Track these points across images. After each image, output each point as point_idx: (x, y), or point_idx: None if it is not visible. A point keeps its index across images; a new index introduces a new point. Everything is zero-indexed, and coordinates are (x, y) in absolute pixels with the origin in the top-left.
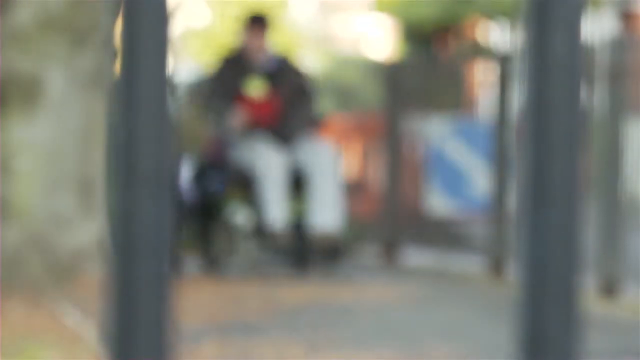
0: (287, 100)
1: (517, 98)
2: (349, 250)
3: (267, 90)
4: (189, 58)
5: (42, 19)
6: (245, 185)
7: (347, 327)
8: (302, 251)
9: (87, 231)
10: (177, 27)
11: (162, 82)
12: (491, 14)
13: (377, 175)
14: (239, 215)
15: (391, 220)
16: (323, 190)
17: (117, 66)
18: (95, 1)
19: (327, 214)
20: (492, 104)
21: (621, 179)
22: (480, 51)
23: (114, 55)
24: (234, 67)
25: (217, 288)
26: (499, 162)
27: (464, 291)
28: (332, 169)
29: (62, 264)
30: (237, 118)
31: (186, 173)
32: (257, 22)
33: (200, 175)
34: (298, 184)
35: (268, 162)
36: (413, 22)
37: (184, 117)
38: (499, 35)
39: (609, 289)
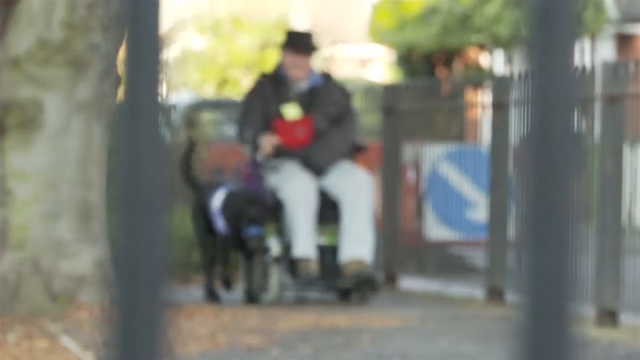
0: (329, 121)
1: (515, 124)
2: (379, 282)
3: (305, 111)
4: (186, 81)
5: (41, 46)
6: (276, 213)
7: (348, 351)
8: (332, 281)
9: (86, 256)
10: (173, 50)
11: (161, 106)
12: (487, 41)
13: (375, 201)
14: (273, 246)
15: (391, 247)
16: (356, 219)
17: (120, 92)
18: (95, 29)
19: (359, 244)
20: (490, 130)
21: (620, 205)
22: (477, 76)
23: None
24: (270, 87)
25: (218, 314)
26: (498, 188)
27: (463, 317)
28: (365, 197)
29: (62, 289)
30: (268, 142)
31: (217, 201)
32: (301, 42)
33: (237, 211)
34: (330, 211)
35: (298, 188)
36: (404, 48)
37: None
38: (496, 61)
39: (608, 315)
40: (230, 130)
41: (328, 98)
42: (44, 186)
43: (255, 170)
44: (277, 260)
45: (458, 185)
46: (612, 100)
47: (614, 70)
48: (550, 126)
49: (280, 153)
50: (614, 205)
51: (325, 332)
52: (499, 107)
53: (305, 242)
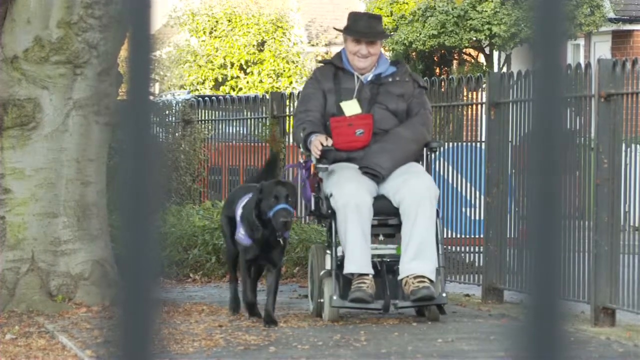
0: (394, 117)
1: (513, 122)
2: (446, 299)
3: (366, 107)
4: (183, 79)
5: (39, 45)
6: (328, 221)
7: (345, 349)
8: (389, 302)
9: (84, 255)
10: (170, 49)
11: (157, 105)
12: (484, 39)
13: None
14: (326, 257)
15: None
16: (416, 230)
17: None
18: (92, 28)
19: (420, 258)
20: (487, 129)
21: (617, 204)
22: (474, 75)
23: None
24: (330, 79)
25: (215, 312)
26: (496, 187)
27: (461, 315)
28: (428, 205)
29: (59, 287)
30: (318, 143)
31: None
32: (366, 27)
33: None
34: (389, 220)
35: (351, 195)
36: (401, 47)
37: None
38: (493, 59)
39: (605, 314)
40: (228, 128)
41: (396, 91)
42: (41, 185)
43: (306, 177)
44: (328, 275)
45: (456, 184)
46: (608, 99)
47: (610, 69)
48: (549, 124)
49: (335, 156)
50: (611, 204)
51: (322, 330)
52: (496, 106)
53: (359, 257)
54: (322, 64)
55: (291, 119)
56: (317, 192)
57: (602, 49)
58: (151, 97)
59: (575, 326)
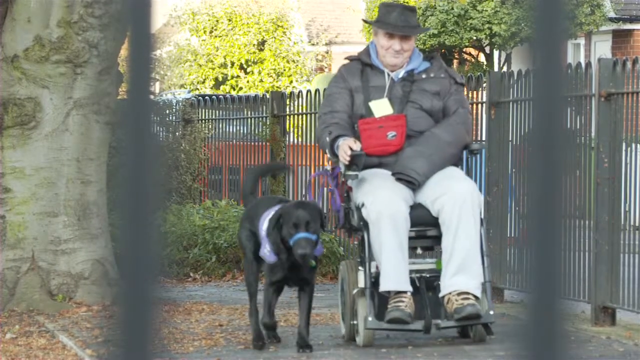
0: (429, 118)
1: (513, 121)
2: (493, 317)
3: (399, 107)
4: (181, 77)
5: (39, 45)
6: (360, 234)
7: (345, 348)
8: (430, 322)
9: (84, 254)
10: (170, 49)
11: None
12: (484, 39)
13: None
14: (359, 274)
15: None
16: (459, 241)
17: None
18: (92, 27)
19: (463, 273)
20: (489, 128)
21: (617, 203)
22: (474, 74)
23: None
24: (357, 77)
25: (215, 311)
26: (496, 186)
27: None
28: (471, 213)
29: (59, 286)
30: (346, 148)
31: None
32: (399, 20)
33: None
34: (428, 231)
35: (385, 205)
36: None
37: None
38: (494, 59)
39: (605, 313)
40: (228, 127)
41: (430, 88)
42: (42, 184)
43: (334, 185)
44: (362, 294)
45: None
46: (609, 98)
47: (610, 68)
48: (549, 124)
49: (365, 162)
50: (611, 203)
51: (322, 328)
52: (497, 105)
53: (395, 272)
54: (348, 60)
55: (291, 119)
56: (347, 202)
57: (603, 48)
58: (151, 97)
59: (576, 325)
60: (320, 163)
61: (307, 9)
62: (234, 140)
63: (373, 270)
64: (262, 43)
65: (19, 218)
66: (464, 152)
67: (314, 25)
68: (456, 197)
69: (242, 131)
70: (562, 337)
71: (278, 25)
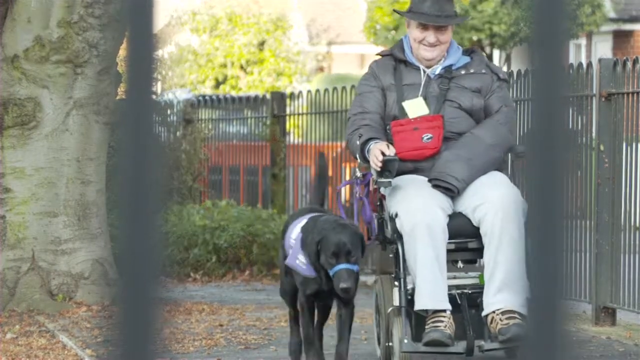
0: (469, 118)
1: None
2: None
3: (435, 106)
4: (182, 77)
5: (39, 45)
6: (394, 247)
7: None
8: (473, 343)
9: (84, 254)
10: (171, 49)
11: (157, 104)
12: (484, 38)
13: None
14: (394, 291)
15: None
16: (502, 254)
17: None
18: (93, 27)
19: (507, 289)
20: None
21: (618, 203)
22: None
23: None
24: (389, 74)
25: (216, 311)
26: None
27: None
28: (514, 224)
29: (60, 286)
30: (377, 153)
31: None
32: (434, 9)
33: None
34: (469, 243)
35: (421, 215)
36: None
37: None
38: (494, 59)
39: (606, 313)
40: (228, 127)
41: (470, 85)
42: (42, 184)
43: (366, 194)
44: (397, 314)
45: None
46: (609, 98)
47: (611, 68)
48: (549, 124)
49: (399, 167)
50: (612, 203)
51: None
52: None
53: (433, 289)
54: (379, 56)
55: (291, 118)
56: (380, 212)
57: (603, 48)
58: (153, 97)
59: (577, 325)
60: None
61: (307, 9)
62: (234, 141)
63: (410, 286)
64: (262, 43)
65: (19, 218)
66: (509, 155)
67: (314, 25)
68: (499, 205)
69: (242, 131)
70: (564, 338)
71: (278, 26)
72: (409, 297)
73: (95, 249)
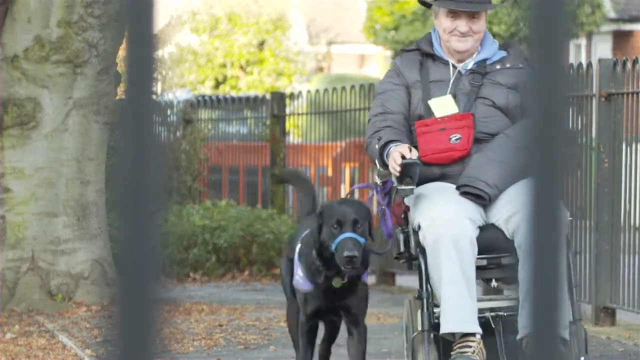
0: (503, 118)
1: None
2: None
3: (465, 105)
4: (181, 77)
5: (39, 45)
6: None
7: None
8: None
9: (84, 254)
10: (171, 49)
11: (157, 104)
12: None
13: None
14: (419, 313)
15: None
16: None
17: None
18: (92, 27)
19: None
20: None
21: (618, 204)
22: None
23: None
24: (416, 70)
25: (215, 312)
26: None
27: None
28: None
29: (59, 286)
30: (397, 156)
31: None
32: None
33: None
34: (503, 258)
35: (448, 226)
36: (401, 46)
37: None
38: None
39: (606, 313)
40: (228, 127)
41: (506, 81)
42: (41, 184)
43: (386, 203)
44: (422, 339)
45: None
46: (609, 98)
47: (611, 68)
48: (549, 123)
49: (423, 173)
50: (611, 204)
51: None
52: None
53: (459, 310)
54: (404, 51)
55: (291, 119)
56: (405, 225)
57: (603, 48)
58: (152, 97)
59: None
60: (321, 163)
61: (307, 8)
62: (234, 141)
63: (438, 309)
64: (262, 43)
65: (18, 218)
66: None
67: (314, 25)
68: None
69: (241, 131)
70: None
71: (278, 26)
72: (436, 321)
73: (95, 249)
